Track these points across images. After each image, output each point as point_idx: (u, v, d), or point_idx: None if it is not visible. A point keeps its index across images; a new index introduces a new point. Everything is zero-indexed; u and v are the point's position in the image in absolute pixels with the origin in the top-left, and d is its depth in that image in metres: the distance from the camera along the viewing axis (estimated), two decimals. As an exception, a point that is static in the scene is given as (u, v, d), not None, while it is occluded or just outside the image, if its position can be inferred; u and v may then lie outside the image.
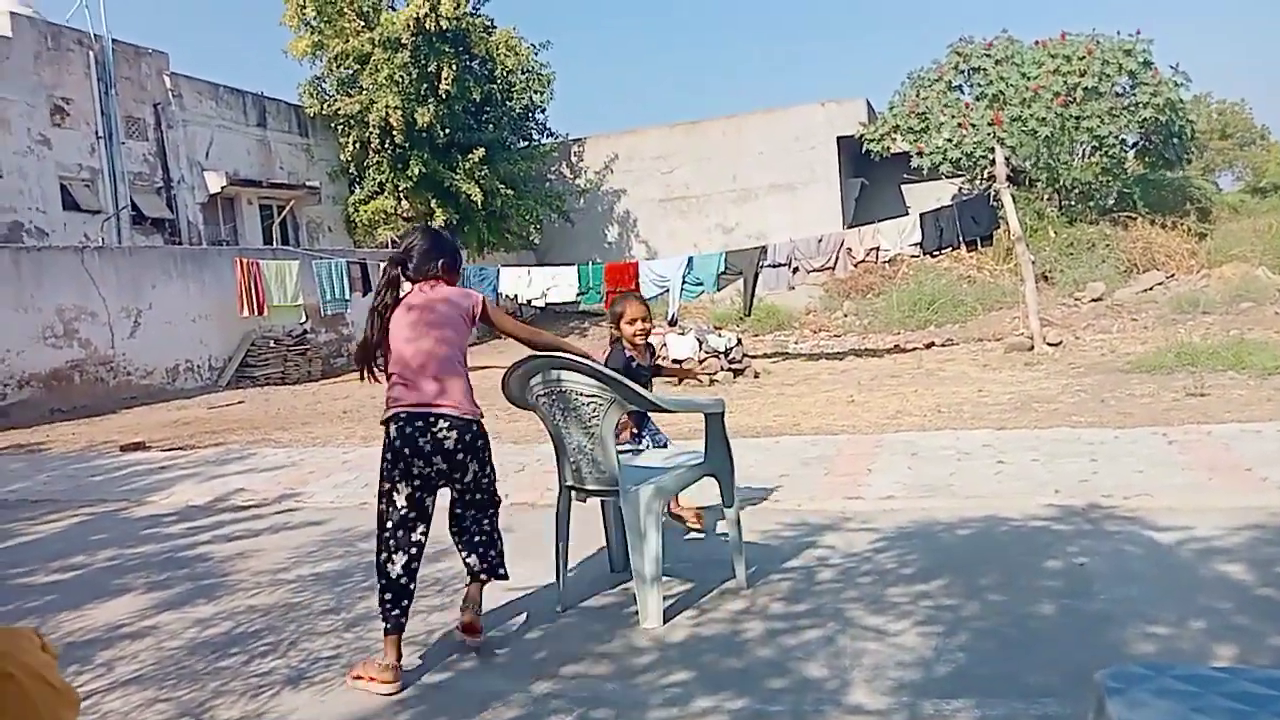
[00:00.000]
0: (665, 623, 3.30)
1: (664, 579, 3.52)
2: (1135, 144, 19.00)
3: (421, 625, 3.50)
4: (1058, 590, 3.37)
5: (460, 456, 3.12)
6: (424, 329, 3.17)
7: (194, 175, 16.81)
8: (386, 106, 17.83)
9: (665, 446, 4.26)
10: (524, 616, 3.52)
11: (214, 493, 6.20)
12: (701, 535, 4.37)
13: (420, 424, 3.07)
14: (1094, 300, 15.02)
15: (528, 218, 20.29)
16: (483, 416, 3.21)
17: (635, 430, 4.20)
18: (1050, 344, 11.38)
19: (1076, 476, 4.84)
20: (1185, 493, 4.42)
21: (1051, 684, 2.64)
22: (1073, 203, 18.27)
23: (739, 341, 11.88)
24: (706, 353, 11.28)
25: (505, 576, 3.27)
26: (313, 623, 3.61)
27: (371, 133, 18.28)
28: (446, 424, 3.08)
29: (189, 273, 14.41)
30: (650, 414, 4.18)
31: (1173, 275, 15.62)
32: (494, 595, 3.77)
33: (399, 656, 2.97)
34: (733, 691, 2.76)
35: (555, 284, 13.66)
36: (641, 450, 4.08)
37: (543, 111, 21.58)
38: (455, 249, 3.44)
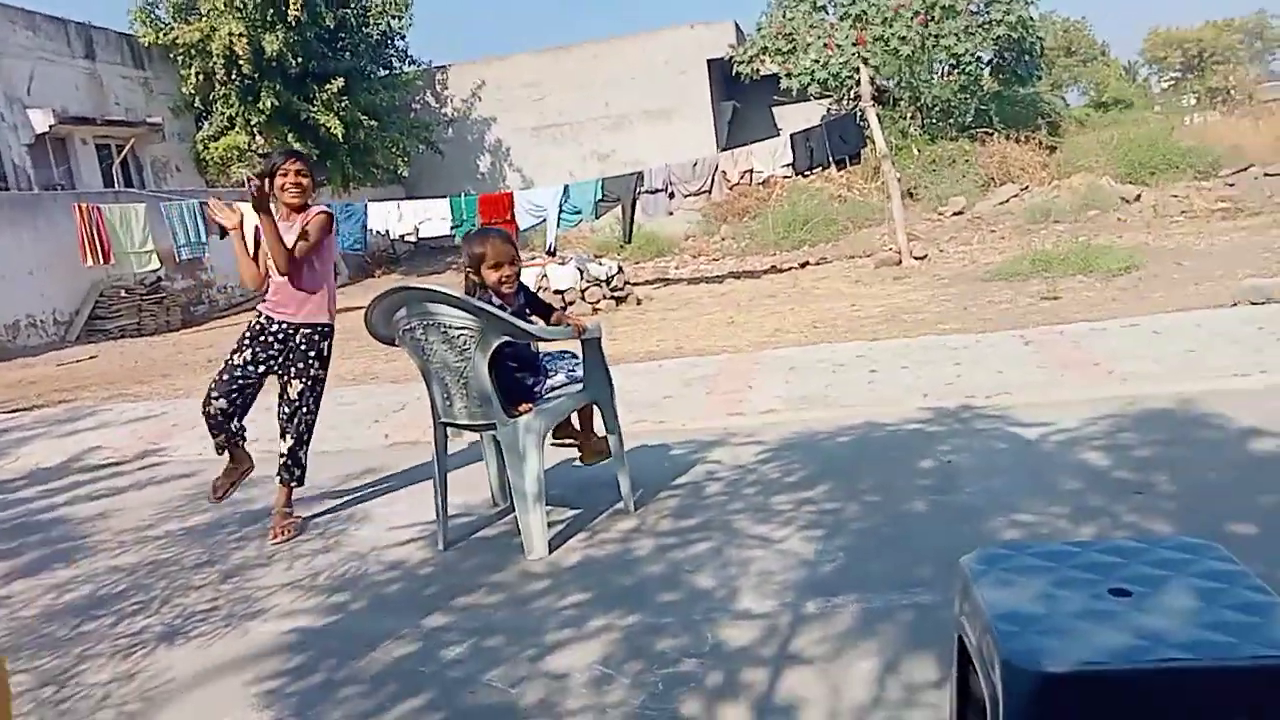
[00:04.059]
0: (554, 549, 3.29)
1: (550, 506, 3.51)
2: (990, 61, 19.71)
3: (304, 569, 3.38)
4: (930, 488, 3.53)
5: None
6: None
7: (15, 113, 15.29)
8: (230, 34, 16.59)
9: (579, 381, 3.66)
10: (409, 555, 3.45)
11: (67, 452, 5.78)
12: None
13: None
14: (956, 214, 15.66)
15: (394, 150, 19.45)
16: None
17: (532, 381, 3.54)
18: (916, 258, 11.82)
19: (944, 380, 5.06)
20: (1042, 389, 4.70)
21: (925, 575, 2.78)
22: (934, 120, 18.87)
23: (620, 269, 11.84)
24: (588, 282, 11.19)
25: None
26: (186, 577, 3.43)
27: (216, 63, 17.01)
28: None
29: (20, 220, 13.22)
30: (547, 357, 3.71)
31: (1027, 187, 16.41)
32: (376, 535, 3.69)
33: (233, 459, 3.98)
34: (625, 609, 2.79)
35: (427, 218, 13.19)
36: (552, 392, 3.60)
37: (402, 38, 20.62)
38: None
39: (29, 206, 13.58)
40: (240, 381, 3.84)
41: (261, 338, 3.86)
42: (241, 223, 3.88)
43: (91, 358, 11.31)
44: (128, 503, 4.56)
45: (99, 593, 3.36)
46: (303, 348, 3.85)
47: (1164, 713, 1.22)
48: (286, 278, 3.77)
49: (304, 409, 3.88)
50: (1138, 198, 14.29)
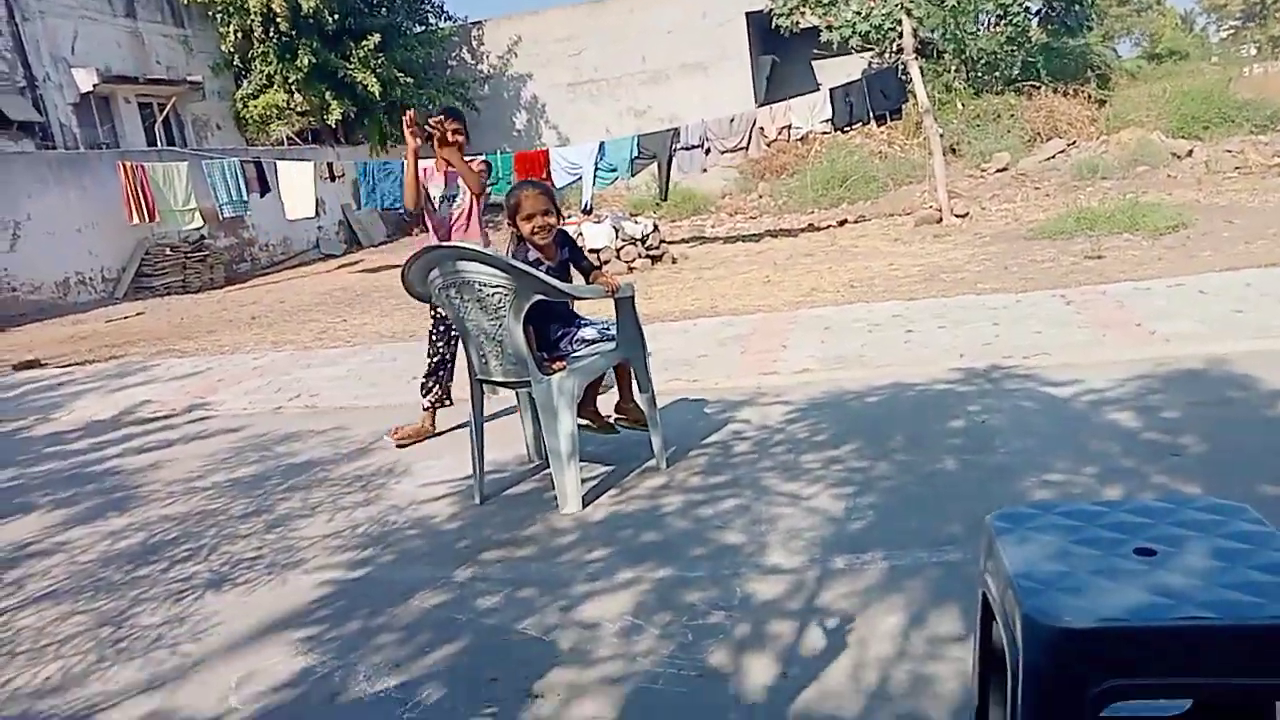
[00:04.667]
0: (586, 505, 3.36)
1: (583, 464, 3.56)
2: (1038, 12, 19.05)
3: (345, 521, 3.49)
4: (961, 447, 3.53)
5: None
6: None
7: (60, 73, 15.50)
8: (267, -10, 16.60)
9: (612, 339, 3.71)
10: (446, 508, 3.53)
11: (118, 406, 5.97)
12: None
13: None
14: (999, 171, 15.31)
15: (430, 107, 19.41)
16: None
17: (562, 333, 3.62)
18: (958, 215, 11.61)
19: (980, 341, 5.01)
20: (1080, 349, 4.64)
21: (954, 533, 2.79)
22: (979, 74, 18.36)
23: (655, 227, 11.78)
24: (623, 240, 11.16)
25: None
26: (233, 527, 3.56)
27: (253, 20, 17.05)
28: None
29: (67, 179, 13.48)
30: (576, 313, 3.83)
31: (1074, 143, 15.98)
32: (414, 489, 3.78)
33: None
34: (654, 562, 2.85)
35: (464, 176, 13.22)
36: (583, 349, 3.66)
37: (437, -8, 20.44)
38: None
39: (75, 165, 13.83)
40: (444, 326, 4.38)
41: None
42: (418, 151, 4.22)
43: (139, 314, 11.58)
44: (176, 455, 4.72)
45: (151, 540, 3.50)
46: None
47: (1182, 670, 1.23)
48: (466, 223, 4.31)
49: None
50: (1189, 153, 13.86)
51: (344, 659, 2.47)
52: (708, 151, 12.61)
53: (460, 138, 4.25)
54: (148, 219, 13.17)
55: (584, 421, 3.77)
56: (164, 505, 3.91)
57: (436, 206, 4.34)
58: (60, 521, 3.84)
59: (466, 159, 4.33)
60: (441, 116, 4.25)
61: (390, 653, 2.48)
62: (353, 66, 17.81)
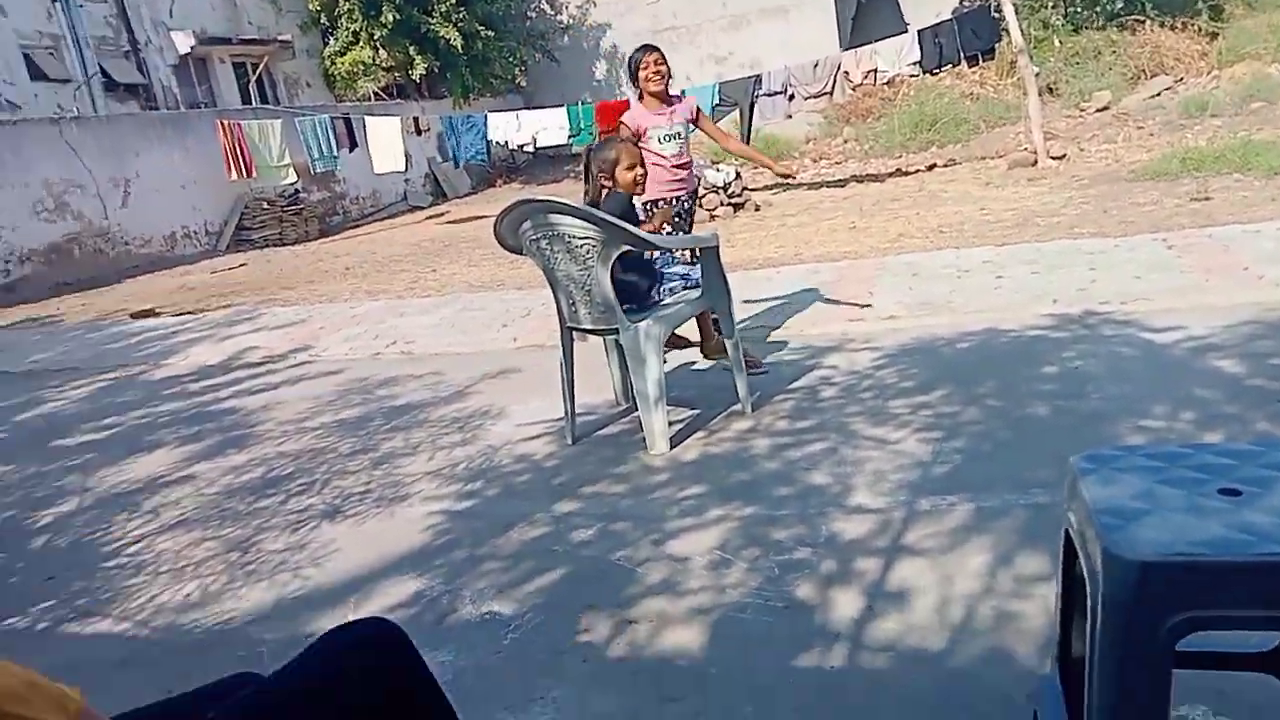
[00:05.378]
0: (673, 447, 3.46)
1: (671, 407, 3.66)
2: (1147, -61, 17.90)
3: (445, 459, 3.67)
4: (1052, 393, 3.49)
5: None
6: None
7: (160, 36, 16.09)
8: (350, -54, 16.83)
9: (697, 286, 3.83)
10: (539, 448, 3.68)
11: (228, 352, 6.33)
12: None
13: None
14: (1100, 110, 14.60)
15: (511, 59, 19.51)
16: None
17: (648, 284, 3.73)
18: (1054, 158, 11.18)
19: (1075, 286, 4.89)
20: (1182, 294, 4.49)
21: (1043, 477, 2.79)
22: (1078, 9, 17.41)
23: (738, 175, 11.69)
24: (705, 188, 11.12)
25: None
26: (342, 463, 3.79)
27: (338, -22, 17.35)
28: None
29: (170, 138, 14.07)
30: (661, 261, 3.94)
31: (1181, 79, 15.10)
32: (509, 430, 3.94)
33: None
34: (742, 501, 2.94)
35: (545, 127, 13.32)
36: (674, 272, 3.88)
37: (516, -57, 20.34)
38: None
39: (177, 125, 14.41)
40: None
41: (677, 216, 4.30)
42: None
43: (242, 265, 12.11)
44: (285, 396, 5.00)
45: (269, 474, 3.76)
46: (690, 205, 4.41)
47: (1261, 603, 1.25)
48: (686, 162, 4.32)
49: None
50: (1311, 87, 12.96)
51: (451, 584, 2.64)
52: (791, 98, 12.40)
53: (662, 67, 4.21)
54: (245, 175, 13.68)
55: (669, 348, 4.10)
56: (278, 443, 4.17)
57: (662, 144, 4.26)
58: (185, 457, 4.14)
59: (686, 97, 4.47)
60: (638, 59, 4.23)
61: (493, 579, 2.64)
62: (435, 21, 17.95)
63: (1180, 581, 1.25)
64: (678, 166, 4.29)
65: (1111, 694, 1.30)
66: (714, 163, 12.91)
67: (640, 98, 4.33)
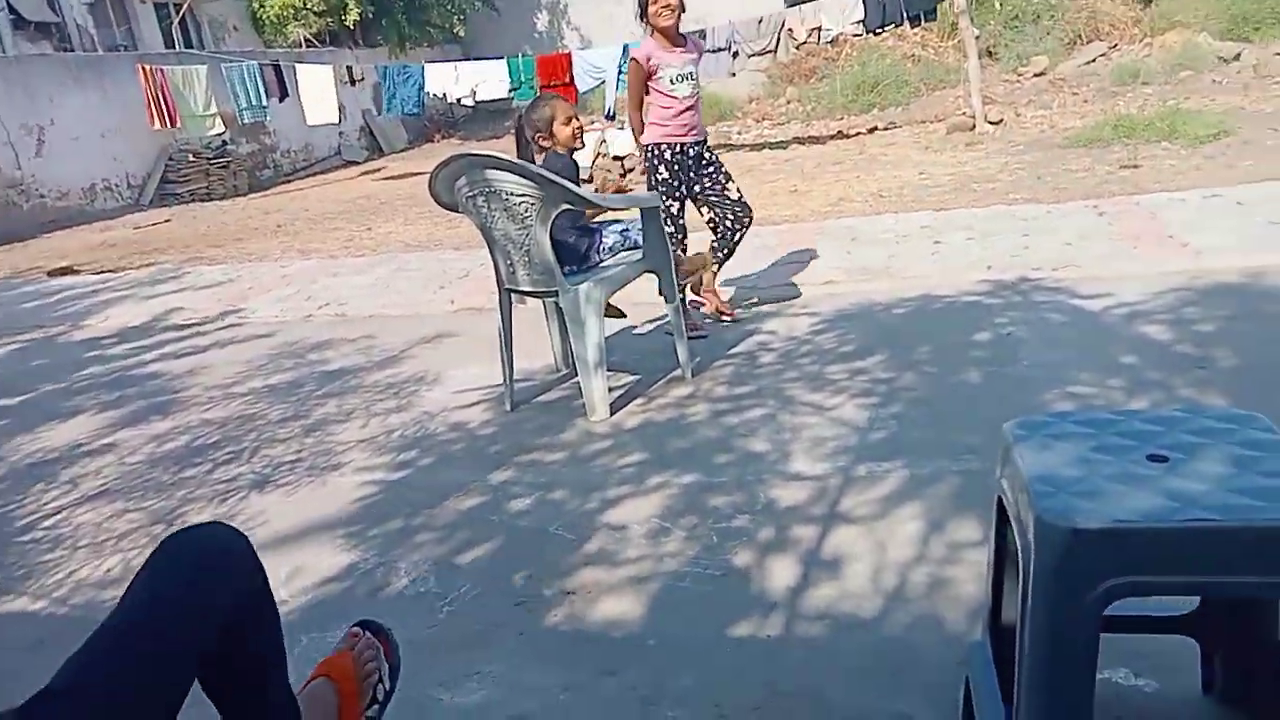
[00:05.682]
0: (613, 413, 3.43)
1: (611, 372, 3.63)
2: (1086, -97, 18.07)
3: (379, 426, 3.59)
4: (986, 359, 3.55)
5: None
6: None
7: (75, -29, 15.21)
8: (281, -118, 16.06)
9: (637, 247, 3.77)
10: (477, 415, 3.63)
11: (152, 313, 6.09)
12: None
13: None
14: (1037, 75, 14.80)
15: (449, 8, 18.95)
16: None
17: (586, 242, 3.66)
18: (991, 123, 11.31)
19: (1009, 252, 4.97)
20: (1110, 261, 4.59)
21: (975, 443, 2.84)
22: (1020, -29, 17.56)
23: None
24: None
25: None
26: (272, 431, 3.68)
27: (269, -85, 16.57)
28: None
29: (88, 82, 13.37)
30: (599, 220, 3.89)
31: (1115, 46, 15.37)
32: (445, 396, 3.87)
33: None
34: (681, 468, 2.93)
35: (484, 80, 12.98)
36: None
37: (457, -116, 19.64)
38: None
39: (95, 67, 13.69)
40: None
41: (680, 163, 4.15)
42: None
43: (166, 221, 11.66)
44: (212, 360, 4.84)
45: (195, 443, 3.64)
46: (709, 155, 4.24)
47: (1188, 569, 1.29)
48: (695, 105, 4.13)
49: (742, 194, 4.28)
50: (1237, 56, 13.30)
51: (385, 556, 2.59)
52: (735, 55, 12.29)
53: (673, 1, 3.98)
54: (169, 124, 13.07)
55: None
56: (204, 410, 4.04)
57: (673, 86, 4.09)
58: (107, 424, 3.99)
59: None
60: None
61: (429, 551, 2.60)
62: (370, -36, 17.33)
63: (1112, 548, 1.28)
64: (688, 110, 4.10)
65: (1042, 658, 1.33)
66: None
67: (650, 35, 4.12)
